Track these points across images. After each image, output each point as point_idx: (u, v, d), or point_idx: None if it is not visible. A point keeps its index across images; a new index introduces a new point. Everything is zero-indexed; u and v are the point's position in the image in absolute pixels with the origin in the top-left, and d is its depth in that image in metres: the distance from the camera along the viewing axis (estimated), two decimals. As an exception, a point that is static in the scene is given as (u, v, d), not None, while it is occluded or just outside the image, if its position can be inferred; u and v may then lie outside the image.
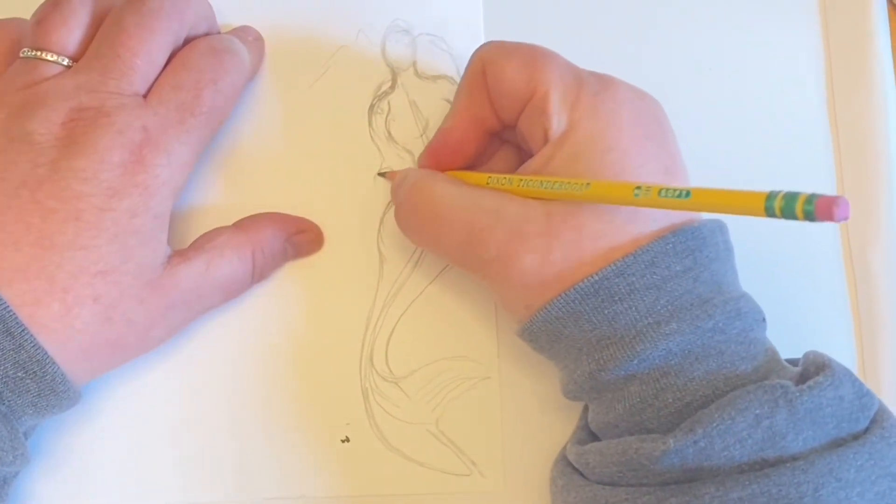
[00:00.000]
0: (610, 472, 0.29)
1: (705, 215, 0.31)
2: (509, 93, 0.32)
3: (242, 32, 0.37)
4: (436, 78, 0.38)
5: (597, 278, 0.29)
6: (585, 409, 0.34)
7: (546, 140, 0.31)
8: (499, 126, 0.34)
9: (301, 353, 0.36)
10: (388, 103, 0.38)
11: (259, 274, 0.36)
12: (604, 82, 0.31)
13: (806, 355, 0.31)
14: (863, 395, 0.29)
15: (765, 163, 0.38)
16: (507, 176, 0.32)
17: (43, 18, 0.32)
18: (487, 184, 0.32)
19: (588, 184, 0.29)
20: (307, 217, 0.37)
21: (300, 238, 0.36)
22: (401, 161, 0.38)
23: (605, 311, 0.29)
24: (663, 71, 0.39)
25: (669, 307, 0.29)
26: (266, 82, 0.38)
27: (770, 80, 0.39)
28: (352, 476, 0.36)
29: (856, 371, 0.35)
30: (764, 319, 0.31)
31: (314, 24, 0.39)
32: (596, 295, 0.29)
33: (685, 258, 0.29)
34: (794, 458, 0.27)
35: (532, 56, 0.32)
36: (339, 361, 0.36)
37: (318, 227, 0.37)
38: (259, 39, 0.38)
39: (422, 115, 0.38)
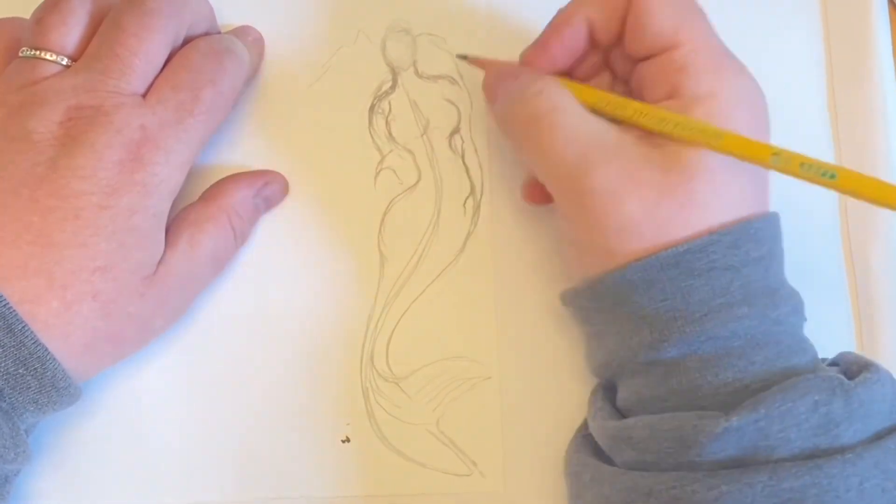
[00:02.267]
0: (657, 449, 0.29)
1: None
2: (651, 32, 0.31)
3: (242, 33, 0.37)
4: (436, 78, 0.38)
5: (682, 249, 0.29)
6: (596, 390, 0.33)
7: (671, 95, 0.31)
8: (610, 44, 0.33)
9: (301, 352, 0.36)
10: (389, 103, 0.38)
11: (240, 237, 0.36)
12: (741, 63, 0.31)
13: (843, 355, 0.31)
14: None
15: (765, 163, 0.38)
16: (630, 102, 0.31)
17: (42, 18, 0.32)
18: (606, 106, 0.31)
19: (722, 136, 0.28)
20: (307, 217, 0.37)
21: (268, 190, 0.37)
22: (401, 161, 0.38)
23: (681, 284, 0.29)
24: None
25: (742, 291, 0.29)
26: (266, 82, 0.38)
27: (770, 79, 0.39)
28: (352, 476, 0.36)
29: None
30: (806, 320, 0.31)
31: (314, 24, 0.39)
32: (676, 266, 0.29)
33: (762, 246, 0.30)
34: (843, 450, 0.27)
35: (688, 6, 0.31)
36: (339, 361, 0.36)
37: (280, 174, 0.37)
38: (259, 40, 0.38)
39: (422, 114, 0.38)
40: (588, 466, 0.32)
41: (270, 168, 0.37)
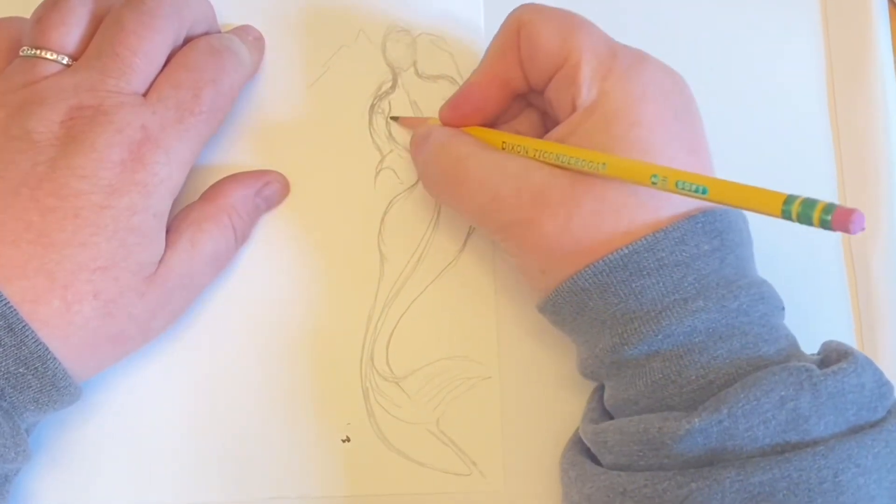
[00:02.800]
0: (629, 452, 0.29)
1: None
2: (542, 57, 0.32)
3: (243, 32, 0.37)
4: (436, 78, 0.38)
5: (627, 251, 0.29)
6: (596, 390, 0.34)
7: (574, 109, 0.31)
8: (525, 88, 0.34)
9: (301, 352, 0.36)
10: (389, 103, 0.38)
11: (241, 237, 0.36)
12: (637, 56, 0.31)
13: (826, 344, 0.31)
14: (882, 384, 0.29)
15: (765, 163, 0.38)
16: (525, 142, 0.32)
17: (42, 17, 0.32)
18: (503, 147, 0.32)
19: (605, 164, 0.29)
20: (307, 217, 0.37)
21: (268, 190, 0.37)
22: (401, 161, 0.38)
23: (633, 285, 0.29)
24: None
25: (696, 285, 0.29)
26: (266, 82, 0.38)
27: (770, 80, 0.39)
28: (352, 476, 0.36)
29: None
30: (783, 308, 0.31)
31: (314, 24, 0.39)
32: (624, 268, 0.29)
33: (713, 239, 0.30)
34: (815, 443, 0.27)
35: (569, 23, 0.32)
36: (339, 361, 0.36)
37: (281, 174, 0.37)
38: (259, 39, 0.38)
39: (422, 114, 0.38)
40: (575, 465, 0.32)
41: (271, 168, 0.37)
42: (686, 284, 0.29)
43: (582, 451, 0.32)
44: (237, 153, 0.38)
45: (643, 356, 0.30)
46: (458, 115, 0.35)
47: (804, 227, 0.32)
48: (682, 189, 0.27)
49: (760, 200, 0.25)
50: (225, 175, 0.37)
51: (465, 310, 0.37)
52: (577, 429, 0.34)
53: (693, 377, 0.29)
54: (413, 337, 0.37)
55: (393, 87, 0.38)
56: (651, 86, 0.31)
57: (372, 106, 0.38)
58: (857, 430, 0.28)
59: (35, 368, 0.29)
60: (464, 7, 0.39)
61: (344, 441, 0.36)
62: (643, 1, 0.40)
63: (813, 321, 0.32)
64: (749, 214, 0.30)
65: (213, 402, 0.36)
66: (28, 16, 0.33)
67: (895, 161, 0.38)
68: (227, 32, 0.37)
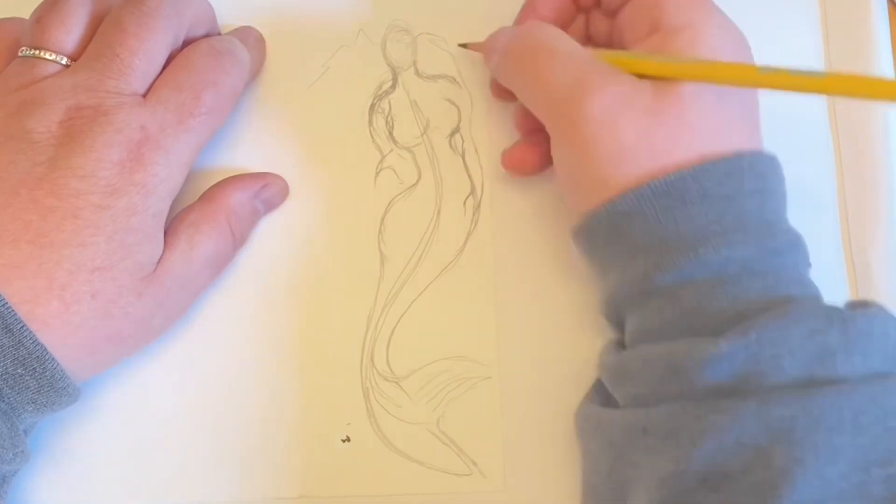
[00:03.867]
0: (651, 379, 0.29)
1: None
2: None
3: (244, 34, 0.37)
4: (436, 77, 0.38)
5: (672, 178, 0.29)
6: (611, 341, 0.34)
7: (651, 31, 0.31)
8: (591, 3, 0.35)
9: (302, 353, 0.36)
10: (389, 103, 0.38)
11: (239, 239, 0.36)
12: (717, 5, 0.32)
13: (850, 301, 0.31)
14: None
15: (765, 162, 0.38)
16: (615, 51, 0.32)
17: (41, 17, 0.32)
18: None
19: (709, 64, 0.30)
20: (307, 217, 0.37)
21: (267, 193, 0.37)
22: (401, 161, 0.38)
23: (675, 213, 0.29)
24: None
25: (736, 221, 0.29)
26: (266, 82, 0.38)
27: (770, 79, 0.39)
28: (352, 476, 0.36)
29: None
30: (811, 266, 0.31)
31: (314, 24, 0.39)
32: (668, 195, 0.29)
33: (757, 179, 0.30)
34: (838, 382, 0.27)
35: None
36: (339, 361, 0.36)
37: (281, 177, 0.37)
38: (260, 41, 0.38)
39: (422, 114, 0.38)
40: (590, 417, 0.32)
41: (270, 168, 0.37)
42: (727, 218, 0.29)
43: (596, 403, 0.32)
44: (237, 153, 0.38)
45: (675, 284, 0.30)
46: (534, 16, 0.35)
47: (805, 228, 0.32)
48: (797, 75, 0.28)
49: (883, 88, 0.26)
50: (225, 176, 0.36)
51: (465, 310, 0.37)
52: (588, 392, 0.34)
53: (724, 307, 0.29)
54: (413, 337, 0.37)
55: (393, 86, 0.38)
56: (731, 29, 0.32)
57: (372, 106, 0.38)
58: (882, 377, 0.28)
59: (33, 369, 0.29)
60: (464, 7, 0.39)
61: (344, 441, 0.36)
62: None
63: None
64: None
65: (213, 402, 0.36)
66: (28, 16, 0.33)
67: (895, 161, 0.38)
68: (228, 33, 0.37)
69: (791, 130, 0.39)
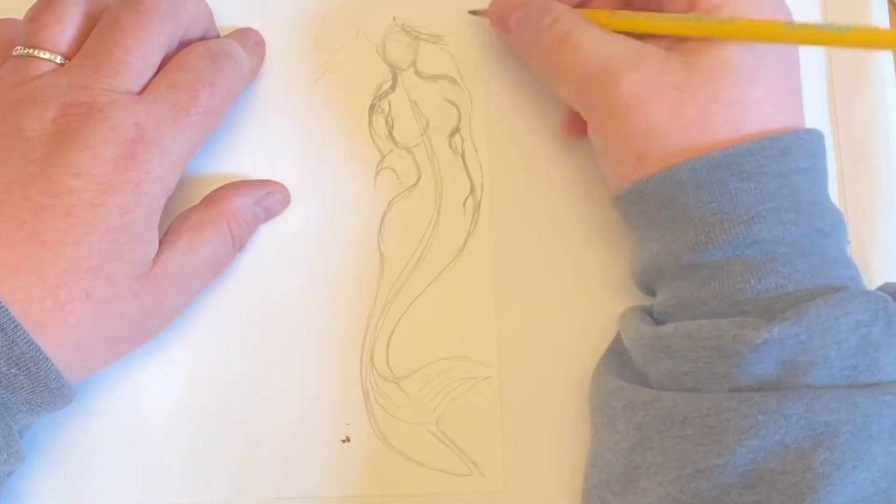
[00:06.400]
0: (695, 358, 0.29)
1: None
2: None
3: (243, 35, 0.37)
4: (436, 77, 0.38)
5: (732, 152, 0.29)
6: (633, 308, 0.34)
7: (690, 7, 0.31)
8: None
9: (302, 352, 0.36)
10: (389, 103, 0.38)
11: (238, 244, 0.36)
12: None
13: (888, 285, 0.31)
14: None
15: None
16: (640, 15, 0.32)
17: (36, 16, 0.32)
18: (619, 25, 0.32)
19: (731, 21, 0.29)
20: (307, 217, 0.37)
21: (269, 200, 0.37)
22: (401, 161, 0.38)
23: (730, 187, 0.29)
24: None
25: (790, 199, 0.30)
26: (266, 82, 0.38)
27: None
28: (352, 476, 0.36)
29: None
30: (849, 242, 0.32)
31: (314, 24, 0.39)
32: (726, 168, 0.29)
33: (810, 158, 0.30)
34: (882, 385, 0.27)
35: None
36: (339, 361, 0.36)
37: (283, 185, 0.37)
38: (260, 43, 0.38)
39: (422, 114, 0.38)
40: (620, 394, 0.32)
41: (270, 168, 0.37)
42: (781, 195, 0.30)
43: (620, 376, 0.32)
44: (237, 154, 0.38)
45: (724, 259, 0.30)
46: None
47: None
48: (823, 30, 0.28)
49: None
50: (225, 176, 0.37)
51: (465, 310, 0.37)
52: (603, 357, 0.34)
53: (772, 285, 0.29)
54: (413, 337, 0.37)
55: (393, 86, 0.38)
56: (780, 6, 0.32)
57: (372, 106, 0.38)
58: None
59: (27, 369, 0.29)
60: (464, 7, 0.39)
61: (344, 441, 0.36)
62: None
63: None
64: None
65: (213, 402, 0.36)
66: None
67: (895, 161, 0.38)
68: (227, 35, 0.37)
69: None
